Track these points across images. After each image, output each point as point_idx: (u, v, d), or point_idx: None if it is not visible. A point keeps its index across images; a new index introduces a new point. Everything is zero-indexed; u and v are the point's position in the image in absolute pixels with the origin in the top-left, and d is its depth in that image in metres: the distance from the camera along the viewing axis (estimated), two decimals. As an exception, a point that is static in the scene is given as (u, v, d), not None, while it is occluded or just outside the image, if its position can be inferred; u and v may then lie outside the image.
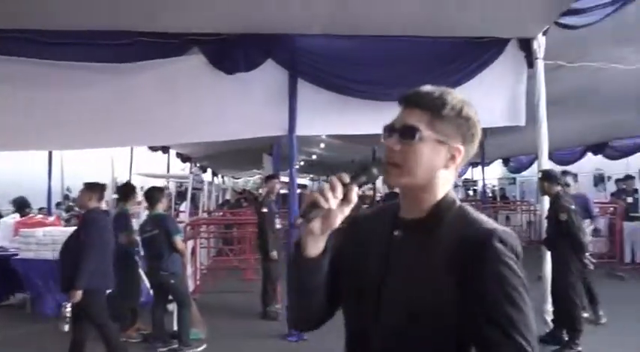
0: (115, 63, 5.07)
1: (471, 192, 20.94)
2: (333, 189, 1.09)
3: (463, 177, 22.52)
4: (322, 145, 18.81)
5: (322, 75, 5.52)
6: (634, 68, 6.14)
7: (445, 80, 5.46)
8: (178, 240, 5.09)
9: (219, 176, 23.43)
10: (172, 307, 5.52)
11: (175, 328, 5.30)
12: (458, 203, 1.18)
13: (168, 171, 12.22)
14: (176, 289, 5.07)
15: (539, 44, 5.47)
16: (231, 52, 5.24)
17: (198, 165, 19.18)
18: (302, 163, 26.51)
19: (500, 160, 17.07)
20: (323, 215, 1.10)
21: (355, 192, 1.12)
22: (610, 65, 6.14)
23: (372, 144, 18.00)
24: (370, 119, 5.63)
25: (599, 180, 13.96)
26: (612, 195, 11.21)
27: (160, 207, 5.19)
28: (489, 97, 5.54)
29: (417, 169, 1.13)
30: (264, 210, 6.29)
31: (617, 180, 11.13)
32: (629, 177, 10.40)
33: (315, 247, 1.13)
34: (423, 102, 1.16)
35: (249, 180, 50.59)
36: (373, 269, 1.17)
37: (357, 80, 5.53)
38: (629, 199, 9.86)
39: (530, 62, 5.54)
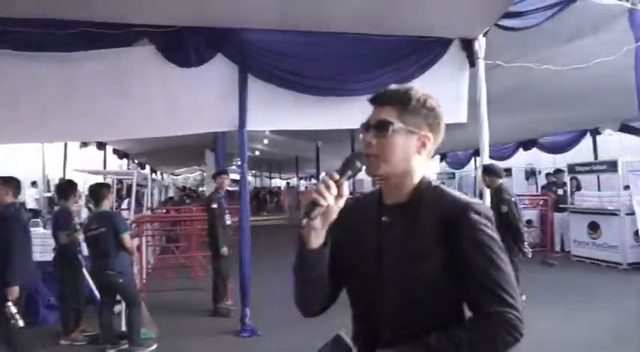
0: (57, 52, 4.84)
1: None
2: (328, 187, 1.18)
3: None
4: (266, 141, 18.70)
5: (273, 70, 5.52)
6: (564, 69, 6.60)
7: (393, 78, 5.62)
8: (127, 237, 4.92)
9: (158, 173, 22.83)
10: (119, 308, 5.35)
11: (124, 328, 5.16)
12: (434, 184, 1.31)
13: (104, 167, 11.76)
14: (125, 288, 4.91)
15: (480, 45, 5.75)
16: (182, 45, 5.14)
17: (136, 161, 18.55)
18: (245, 159, 26.28)
19: (437, 156, 17.74)
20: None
21: (346, 186, 1.22)
22: (542, 66, 6.56)
23: (316, 140, 18.16)
24: (321, 115, 5.75)
25: (531, 174, 14.85)
26: (543, 187, 11.93)
27: (107, 204, 5.01)
28: (436, 95, 5.73)
29: (393, 157, 1.26)
30: (214, 205, 6.21)
31: (547, 174, 11.87)
32: (558, 171, 11.10)
33: (317, 240, 1.23)
34: (392, 100, 1.30)
35: (189, 176, 49.41)
36: (369, 255, 1.27)
37: (308, 76, 5.57)
38: (560, 191, 10.54)
39: (472, 61, 5.81)
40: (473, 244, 1.20)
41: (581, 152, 12.88)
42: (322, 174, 1.40)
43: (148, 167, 18.97)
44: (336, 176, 1.21)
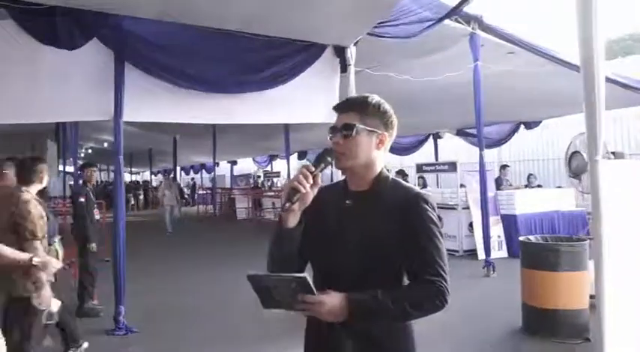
0: None
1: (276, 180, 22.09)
2: (306, 177, 1.44)
3: (263, 169, 23.64)
4: (117, 132, 17.47)
5: (151, 61, 5.39)
6: (419, 80, 7.50)
7: (272, 78, 5.92)
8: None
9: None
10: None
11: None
12: (390, 176, 1.61)
13: None
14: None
15: (351, 53, 6.30)
16: (51, 26, 4.77)
17: (-49, 150, 15.99)
18: (90, 151, 24.11)
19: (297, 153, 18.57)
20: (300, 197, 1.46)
21: (319, 177, 1.49)
22: (403, 76, 7.38)
23: (173, 133, 17.54)
24: (197, 109, 5.77)
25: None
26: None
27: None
28: (309, 96, 6.18)
29: (357, 153, 1.53)
30: (82, 199, 5.83)
31: (396, 173, 13.21)
32: (400, 171, 12.52)
33: (294, 220, 1.49)
34: (353, 106, 1.58)
35: (21, 169, 43.61)
36: (334, 231, 1.55)
37: (186, 70, 5.53)
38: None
39: (344, 67, 6.33)
40: (419, 227, 1.48)
41: (424, 153, 14.54)
42: (300, 166, 1.78)
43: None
44: (312, 168, 1.47)
